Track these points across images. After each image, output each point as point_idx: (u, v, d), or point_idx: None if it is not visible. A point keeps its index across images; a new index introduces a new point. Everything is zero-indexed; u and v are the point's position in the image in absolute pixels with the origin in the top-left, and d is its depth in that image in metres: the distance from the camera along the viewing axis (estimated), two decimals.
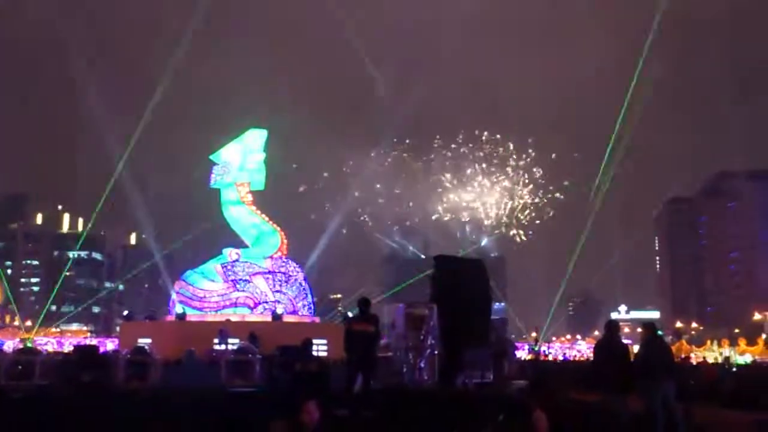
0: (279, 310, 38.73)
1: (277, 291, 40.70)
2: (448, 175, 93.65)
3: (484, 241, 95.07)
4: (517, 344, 42.65)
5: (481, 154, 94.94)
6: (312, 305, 43.78)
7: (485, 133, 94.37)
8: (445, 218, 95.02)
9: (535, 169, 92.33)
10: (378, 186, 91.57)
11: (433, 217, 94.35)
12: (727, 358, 55.43)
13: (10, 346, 57.27)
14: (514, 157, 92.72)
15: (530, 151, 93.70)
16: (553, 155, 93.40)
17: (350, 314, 15.88)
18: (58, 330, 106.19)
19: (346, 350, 14.62)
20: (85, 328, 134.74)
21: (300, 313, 41.34)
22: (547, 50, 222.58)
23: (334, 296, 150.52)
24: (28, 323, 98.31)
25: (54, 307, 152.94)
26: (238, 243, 43.02)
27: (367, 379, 14.30)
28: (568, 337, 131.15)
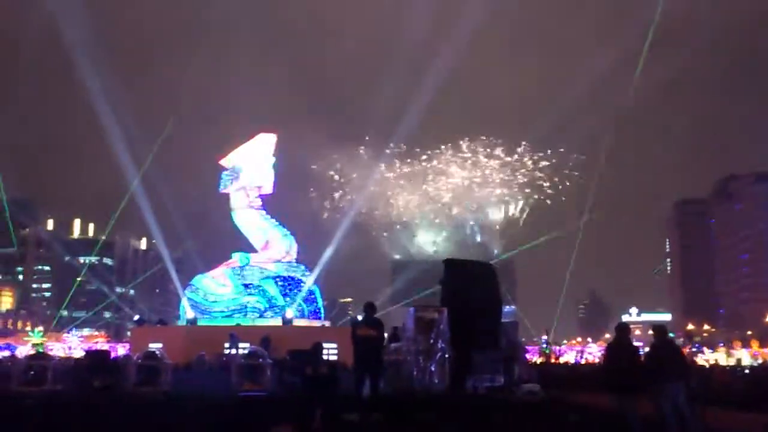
0: (289, 315, 38.79)
1: (287, 295, 40.73)
2: (457, 179, 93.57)
3: (493, 247, 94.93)
4: (527, 347, 42.52)
5: (484, 158, 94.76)
6: (322, 309, 43.79)
7: (489, 138, 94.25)
8: (455, 221, 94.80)
9: (539, 173, 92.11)
10: (389, 192, 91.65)
11: (443, 220, 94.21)
12: (739, 360, 55.08)
13: (22, 351, 57.59)
14: (524, 160, 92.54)
15: (534, 155, 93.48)
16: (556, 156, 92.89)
17: (359, 318, 15.93)
18: (70, 335, 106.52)
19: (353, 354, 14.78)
20: (96, 333, 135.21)
21: (310, 318, 41.35)
22: (547, 50, 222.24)
23: (344, 300, 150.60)
24: (40, 328, 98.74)
25: (65, 313, 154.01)
26: (248, 247, 43.09)
27: (374, 383, 14.36)
28: (579, 339, 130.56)
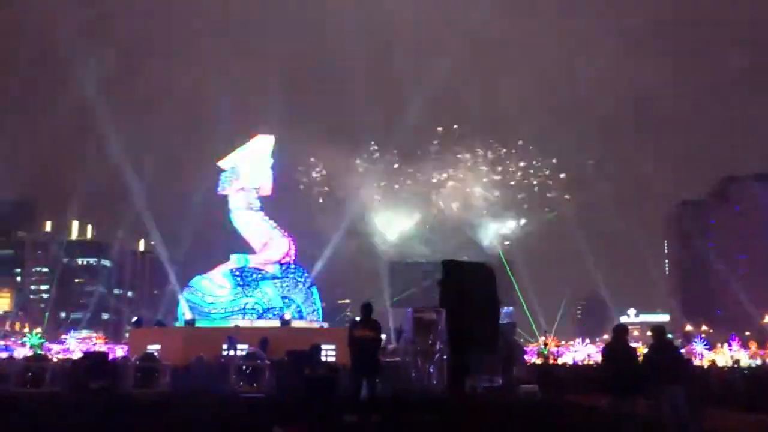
0: (287, 316, 38.79)
1: (285, 297, 40.72)
2: (451, 176, 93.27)
3: (490, 240, 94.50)
4: (526, 348, 42.54)
5: (482, 154, 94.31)
6: (320, 311, 43.80)
7: (485, 140, 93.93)
8: (452, 222, 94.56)
9: (539, 171, 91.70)
10: (385, 190, 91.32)
11: (440, 221, 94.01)
12: (737, 361, 55.12)
13: (20, 353, 57.49)
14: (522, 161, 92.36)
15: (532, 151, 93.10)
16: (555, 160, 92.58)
17: (357, 319, 15.89)
18: (68, 337, 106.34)
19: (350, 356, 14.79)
20: (94, 334, 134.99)
21: (308, 319, 41.35)
22: (549, 51, 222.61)
23: (342, 301, 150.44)
24: (38, 330, 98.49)
25: (63, 314, 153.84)
26: (247, 249, 43.07)
27: (371, 384, 14.34)
28: (579, 341, 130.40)
